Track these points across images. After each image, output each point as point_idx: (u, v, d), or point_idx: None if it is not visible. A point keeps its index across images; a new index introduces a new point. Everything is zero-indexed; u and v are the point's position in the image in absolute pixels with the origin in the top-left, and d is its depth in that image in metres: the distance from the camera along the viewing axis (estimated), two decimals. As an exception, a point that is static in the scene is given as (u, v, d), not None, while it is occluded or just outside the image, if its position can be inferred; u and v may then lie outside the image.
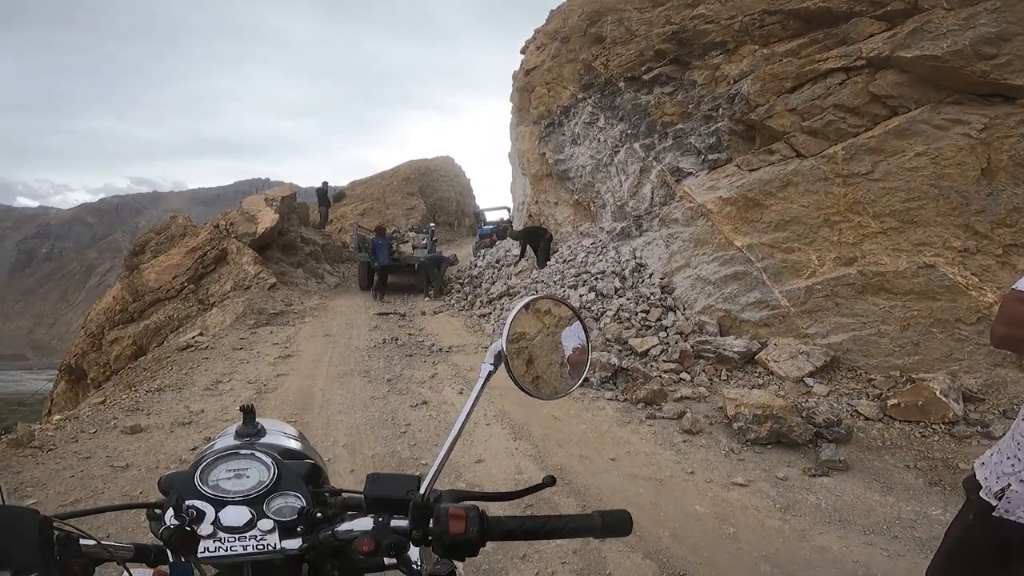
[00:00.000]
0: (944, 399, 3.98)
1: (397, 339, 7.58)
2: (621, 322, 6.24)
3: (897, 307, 4.63)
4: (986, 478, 1.31)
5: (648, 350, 5.56)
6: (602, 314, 6.60)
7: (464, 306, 9.94)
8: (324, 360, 6.63)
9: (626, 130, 7.87)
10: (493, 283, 10.59)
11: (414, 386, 5.52)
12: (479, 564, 2.66)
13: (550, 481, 0.82)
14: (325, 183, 19.34)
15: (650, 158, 7.26)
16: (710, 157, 6.32)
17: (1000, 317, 1.28)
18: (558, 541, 2.81)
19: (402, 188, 23.68)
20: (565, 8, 10.54)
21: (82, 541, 0.71)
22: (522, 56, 11.97)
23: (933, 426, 3.95)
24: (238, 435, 0.95)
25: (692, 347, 5.36)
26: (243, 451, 0.84)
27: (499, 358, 0.84)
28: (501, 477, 3.66)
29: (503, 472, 3.72)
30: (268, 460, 0.83)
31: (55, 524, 0.69)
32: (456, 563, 0.92)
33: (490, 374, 0.85)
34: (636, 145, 7.57)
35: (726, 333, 5.55)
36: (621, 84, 7.94)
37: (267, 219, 13.07)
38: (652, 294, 6.53)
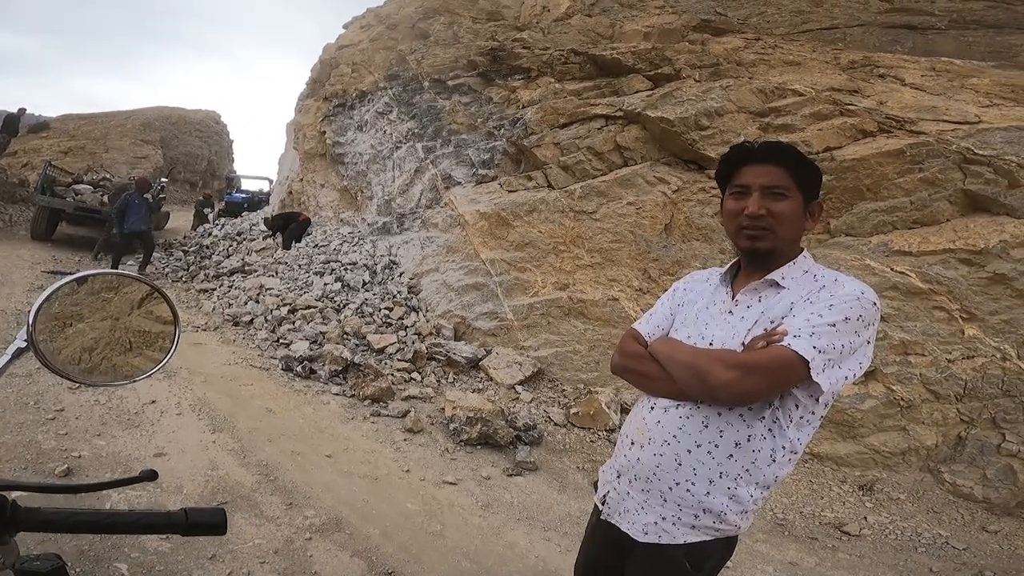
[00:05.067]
0: (607, 410, 4.65)
1: (73, 304, 5.99)
2: (363, 317, 6.05)
3: (589, 330, 5.31)
4: (599, 484, 1.45)
5: (385, 347, 5.48)
6: (344, 306, 6.32)
7: (182, 276, 8.47)
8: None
9: (414, 128, 7.85)
10: (228, 256, 9.31)
11: (84, 363, 4.38)
12: (151, 566, 2.31)
13: (149, 475, 0.74)
14: (21, 110, 16.21)
15: (428, 160, 7.33)
16: (480, 172, 6.64)
17: (617, 349, 1.43)
18: (255, 540, 2.61)
19: (137, 133, 19.78)
20: (406, -4, 10.18)
21: None
22: (343, 30, 11.21)
23: (598, 432, 4.56)
24: None
25: (427, 348, 5.47)
26: None
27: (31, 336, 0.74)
28: (188, 473, 3.13)
29: (190, 468, 3.19)
30: None
31: None
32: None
33: (19, 351, 0.75)
34: (419, 145, 7.59)
35: (459, 338, 5.81)
36: (426, 84, 7.95)
37: None
38: (399, 292, 6.51)
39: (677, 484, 1.24)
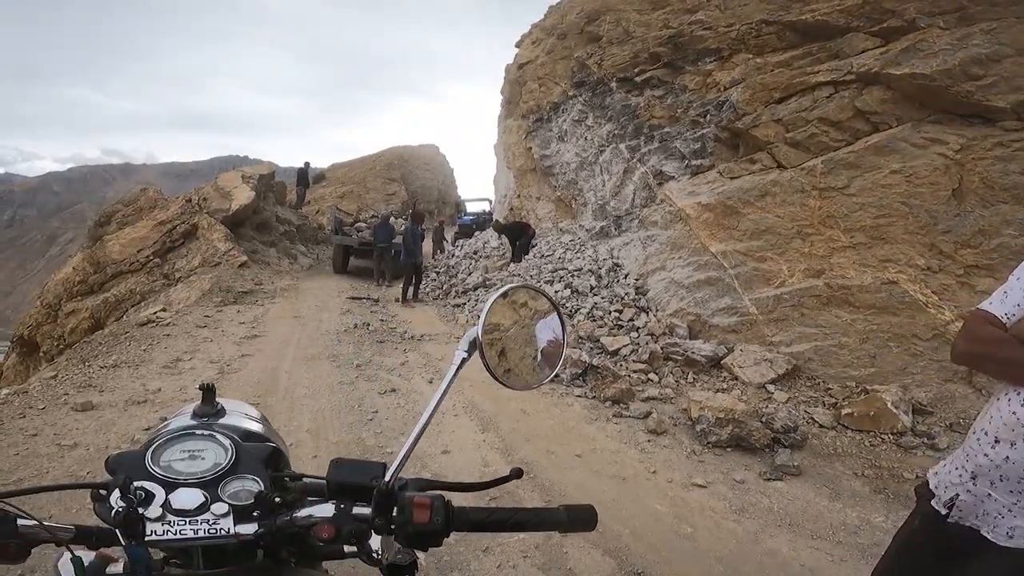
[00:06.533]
0: (895, 410, 4.10)
1: (369, 324, 7.50)
2: (595, 320, 6.28)
3: (859, 320, 4.72)
4: (936, 487, 1.36)
5: (619, 349, 5.61)
6: (576, 311, 6.64)
7: (439, 295, 9.88)
8: (292, 342, 6.52)
9: (613, 130, 7.93)
10: (469, 274, 10.56)
11: (383, 373, 5.46)
12: (440, 555, 2.65)
13: (517, 473, 0.80)
14: (307, 163, 19.51)
15: (635, 159, 7.32)
16: (693, 162, 6.40)
17: (962, 334, 1.31)
18: (520, 536, 2.82)
19: (384, 173, 23.66)
20: (564, 5, 10.57)
21: (20, 521, 0.67)
22: (516, 50, 12.03)
23: (882, 436, 4.07)
24: (195, 415, 0.91)
25: (662, 348, 5.43)
26: (199, 431, 0.80)
27: (474, 345, 0.82)
28: (467, 469, 3.65)
29: (469, 464, 3.71)
30: (226, 442, 0.79)
31: None
32: (419, 553, 0.89)
33: (463, 361, 0.83)
34: (622, 146, 7.63)
35: (695, 337, 5.63)
36: (613, 84, 8.01)
37: (242, 196, 12.84)
38: (626, 294, 6.59)
39: None
